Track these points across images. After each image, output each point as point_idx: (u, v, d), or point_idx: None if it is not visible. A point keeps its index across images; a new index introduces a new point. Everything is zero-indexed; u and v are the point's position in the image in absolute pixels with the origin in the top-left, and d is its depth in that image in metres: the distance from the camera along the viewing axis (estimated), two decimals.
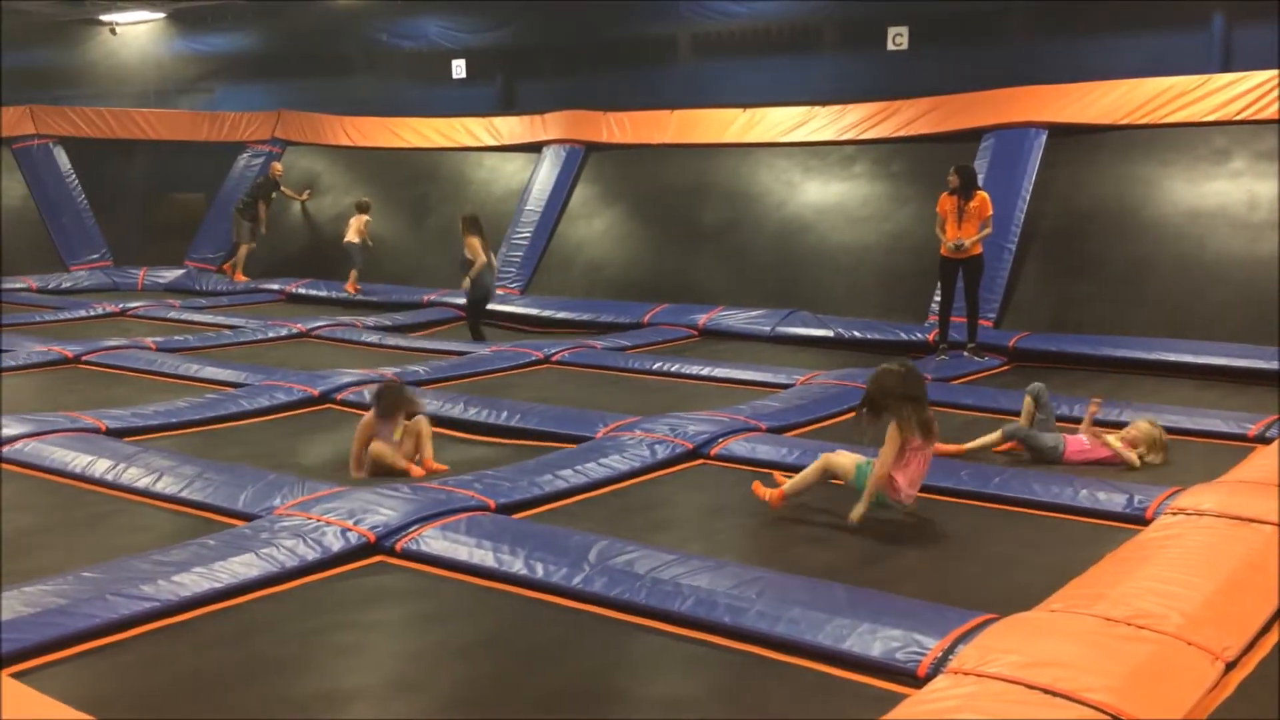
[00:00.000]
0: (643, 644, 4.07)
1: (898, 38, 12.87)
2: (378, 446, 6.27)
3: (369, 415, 6.38)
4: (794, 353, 10.28)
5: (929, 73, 12.48)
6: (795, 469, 6.08)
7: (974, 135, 11.68)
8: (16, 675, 3.57)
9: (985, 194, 9.74)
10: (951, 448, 6.48)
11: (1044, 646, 3.55)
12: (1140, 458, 6.38)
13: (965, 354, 9.69)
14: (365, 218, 13.99)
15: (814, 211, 12.39)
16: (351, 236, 13.87)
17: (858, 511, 5.22)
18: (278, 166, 15.47)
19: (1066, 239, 10.91)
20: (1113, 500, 5.46)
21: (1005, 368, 9.58)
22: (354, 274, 13.74)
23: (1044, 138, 11.35)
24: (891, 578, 4.57)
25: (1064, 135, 11.33)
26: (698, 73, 14.34)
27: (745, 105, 13.24)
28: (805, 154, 12.74)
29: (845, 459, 5.39)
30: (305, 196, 15.54)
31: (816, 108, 12.78)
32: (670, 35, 14.50)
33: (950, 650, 3.67)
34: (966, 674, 3.44)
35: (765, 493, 5.44)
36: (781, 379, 8.68)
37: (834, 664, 3.80)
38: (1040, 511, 5.50)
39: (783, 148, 12.86)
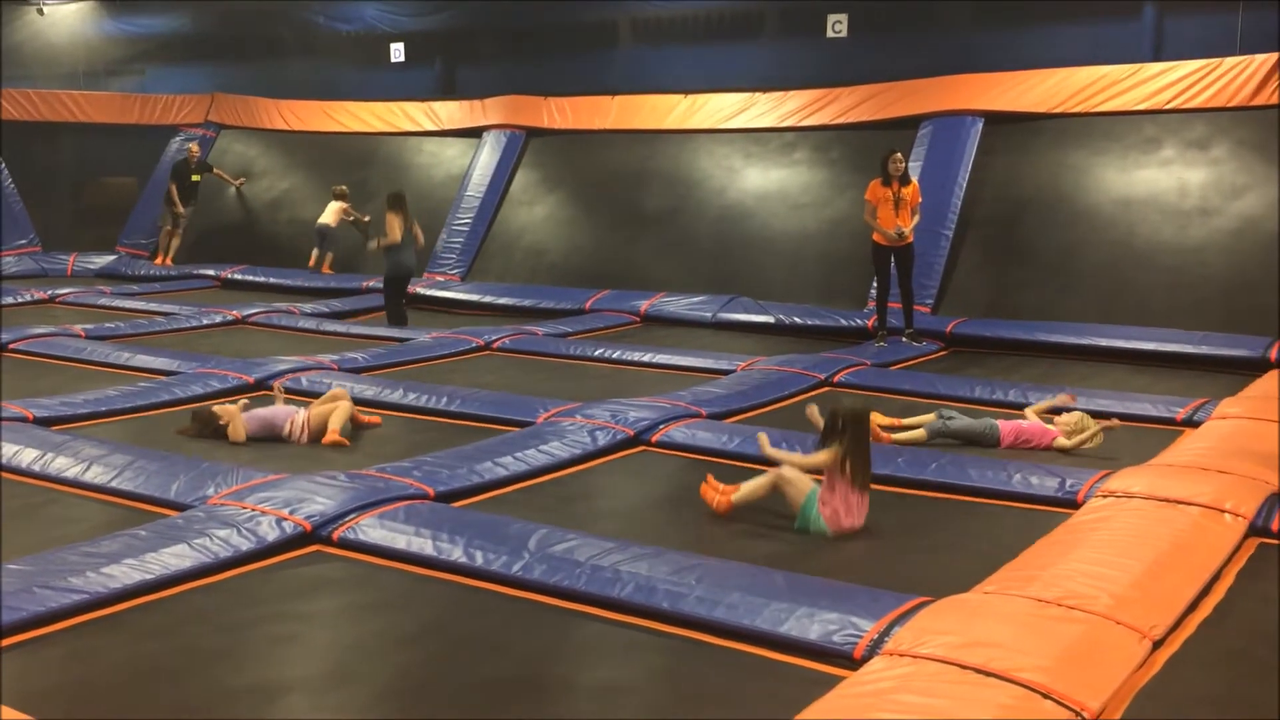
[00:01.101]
0: (582, 631, 4.07)
1: (837, 25, 12.94)
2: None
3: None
4: (735, 339, 10.32)
5: (868, 60, 12.58)
6: (735, 456, 6.15)
7: (912, 123, 11.79)
8: None
9: (916, 181, 9.85)
10: (887, 424, 6.57)
11: (978, 627, 3.61)
12: (1069, 437, 6.47)
13: (903, 339, 9.79)
14: (345, 204, 13.87)
15: (755, 198, 12.43)
16: (328, 219, 13.77)
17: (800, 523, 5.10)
18: (194, 147, 15.19)
19: (1002, 225, 11.06)
20: (1045, 485, 5.55)
21: (943, 353, 9.70)
22: (330, 257, 13.80)
23: (980, 125, 11.49)
24: (830, 567, 4.60)
25: (1000, 123, 11.47)
26: (639, 59, 14.32)
27: (686, 91, 13.24)
28: (746, 140, 12.77)
29: (800, 482, 5.14)
30: (240, 183, 15.29)
31: (757, 94, 12.81)
32: (611, 21, 14.46)
33: (886, 632, 3.71)
34: (902, 655, 3.48)
35: (713, 498, 5.28)
36: (723, 365, 8.72)
37: (772, 647, 3.83)
38: (976, 498, 5.57)
39: (723, 134, 12.89)
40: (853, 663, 3.65)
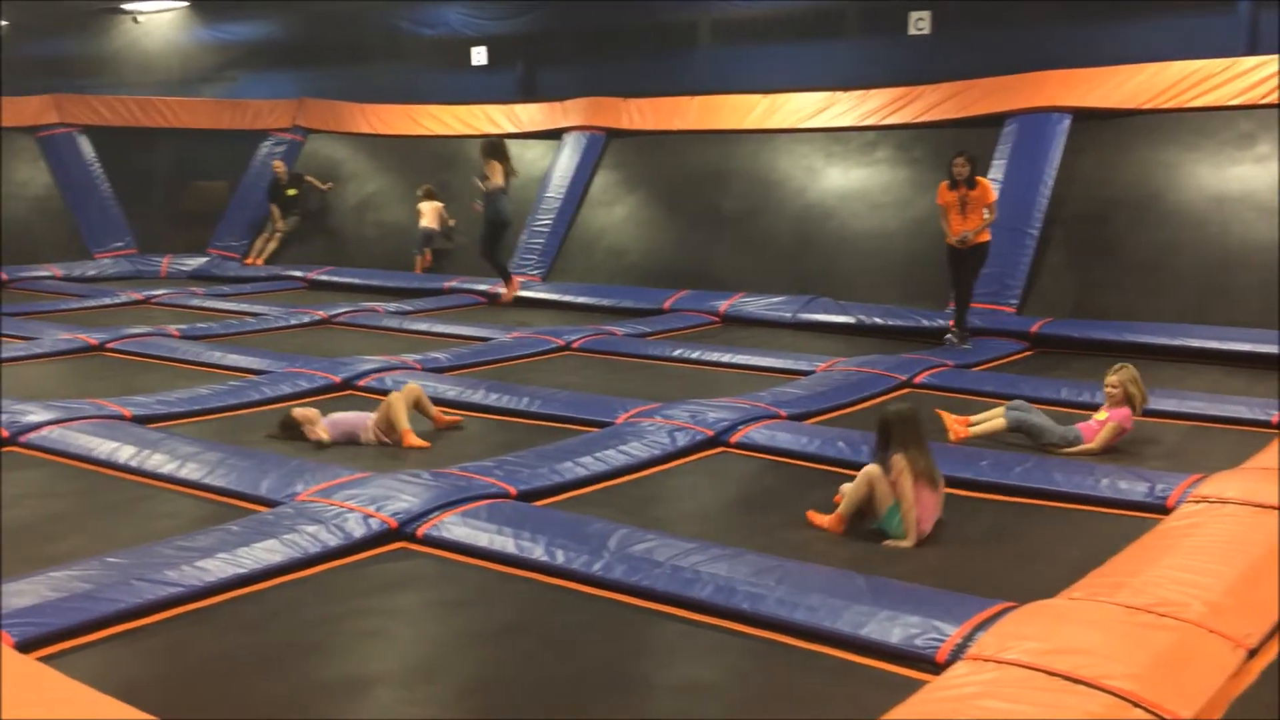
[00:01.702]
0: (662, 630, 4.09)
1: (920, 22, 12.77)
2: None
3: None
4: (815, 339, 10.26)
5: (951, 57, 12.40)
6: (816, 458, 6.12)
7: (997, 120, 11.60)
8: (44, 659, 3.61)
9: (986, 180, 9.60)
10: (960, 424, 6.50)
11: (1065, 633, 3.55)
12: (1132, 397, 6.36)
13: (949, 338, 9.59)
14: (440, 204, 14.18)
15: (836, 197, 12.35)
16: (432, 223, 14.11)
17: (900, 545, 4.99)
18: (278, 164, 15.58)
19: (1090, 224, 10.83)
20: (1134, 489, 5.43)
21: (1027, 354, 9.54)
22: (429, 254, 14.12)
23: (1068, 122, 11.26)
24: (912, 572, 4.54)
25: (1088, 120, 11.23)
26: (719, 59, 14.30)
27: (766, 91, 13.19)
28: (827, 140, 12.68)
29: (882, 488, 5.00)
30: (328, 187, 15.61)
31: (838, 93, 12.72)
32: (691, 21, 14.45)
33: (969, 637, 3.67)
34: (986, 660, 3.44)
35: (822, 520, 5.16)
36: (803, 365, 8.67)
37: (852, 650, 3.81)
38: (1062, 503, 5.46)
39: (804, 134, 12.81)
40: (935, 667, 3.62)
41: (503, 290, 11.68)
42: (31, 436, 6.37)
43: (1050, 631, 3.57)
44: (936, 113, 12.03)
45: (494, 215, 10.81)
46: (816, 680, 3.68)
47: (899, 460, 4.95)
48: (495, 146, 10.93)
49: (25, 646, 3.66)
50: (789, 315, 10.99)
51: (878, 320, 10.58)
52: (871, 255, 11.73)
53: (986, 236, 9.51)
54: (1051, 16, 12.27)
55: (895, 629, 3.79)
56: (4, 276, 13.82)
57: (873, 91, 12.51)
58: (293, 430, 6.64)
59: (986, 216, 9.40)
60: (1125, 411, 6.39)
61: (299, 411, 6.73)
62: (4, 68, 20.33)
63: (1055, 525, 5.24)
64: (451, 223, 14.15)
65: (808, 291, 11.44)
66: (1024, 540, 5.09)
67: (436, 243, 14.22)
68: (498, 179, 10.68)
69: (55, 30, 19.30)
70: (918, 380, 8.16)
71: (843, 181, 12.43)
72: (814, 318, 10.87)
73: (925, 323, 10.28)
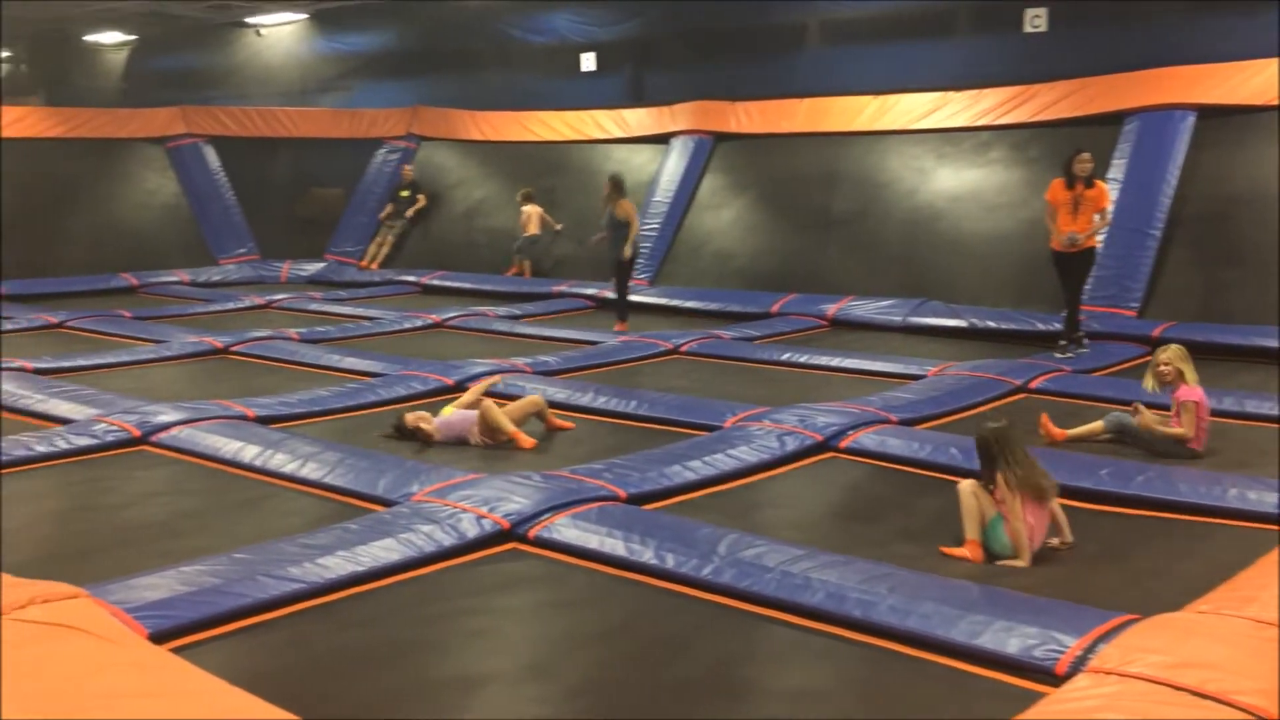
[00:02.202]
0: (772, 636, 4.08)
1: (1035, 19, 12.47)
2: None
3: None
4: (926, 343, 10.11)
5: (1069, 55, 12.08)
6: (928, 464, 6.02)
7: (1116, 119, 11.28)
8: (175, 650, 3.76)
9: (1104, 184, 9.25)
10: (1057, 432, 6.38)
11: (1191, 647, 3.44)
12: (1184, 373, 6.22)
13: (1059, 349, 9.17)
14: (540, 208, 14.43)
15: (947, 199, 12.15)
16: (536, 229, 14.33)
17: (1015, 564, 4.83)
18: (407, 169, 16.04)
19: (1215, 224, 10.45)
20: (1264, 500, 5.23)
21: (1148, 358, 9.22)
22: (527, 266, 14.35)
23: (1191, 120, 10.90)
24: (1028, 584, 4.44)
25: (1214, 117, 10.85)
26: (827, 60, 14.17)
27: (876, 92, 13.05)
28: (938, 140, 12.49)
29: (982, 500, 4.87)
30: (420, 203, 15.90)
31: (950, 93, 12.51)
32: (800, 23, 14.35)
33: (1090, 649, 3.58)
34: (1108, 673, 3.36)
35: (959, 551, 4.87)
36: (913, 370, 8.56)
37: (968, 660, 3.75)
38: (1186, 515, 5.27)
39: (915, 134, 12.64)
40: (1054, 679, 3.54)
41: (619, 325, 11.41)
42: (162, 436, 6.63)
43: (1176, 645, 3.46)
44: (1053, 111, 11.75)
45: (629, 252, 10.95)
46: (931, 690, 3.63)
47: (1003, 479, 4.83)
48: (618, 183, 11.14)
49: (158, 638, 3.81)
50: (899, 319, 10.84)
51: (990, 324, 10.37)
52: (984, 257, 11.51)
53: (1096, 241, 9.21)
54: (1172, 12, 11.88)
55: (1012, 639, 3.71)
56: (135, 282, 14.41)
57: (986, 91, 12.27)
58: (406, 432, 6.78)
59: (1098, 221, 9.09)
60: (1186, 388, 6.19)
61: (411, 416, 6.86)
62: (134, 81, 21.24)
63: (1179, 537, 5.08)
64: (558, 227, 14.31)
65: (918, 294, 11.28)
66: (1146, 553, 4.94)
67: (535, 253, 14.35)
68: (636, 220, 11.01)
69: (182, 45, 20.07)
70: (1033, 385, 7.98)
71: (955, 183, 12.22)
72: (925, 321, 10.71)
73: (1040, 326, 10.05)
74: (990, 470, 4.90)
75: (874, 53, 13.68)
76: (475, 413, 6.84)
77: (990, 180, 12.00)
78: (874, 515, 5.46)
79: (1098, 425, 6.42)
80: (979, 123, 12.21)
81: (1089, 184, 9.03)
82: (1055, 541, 4.91)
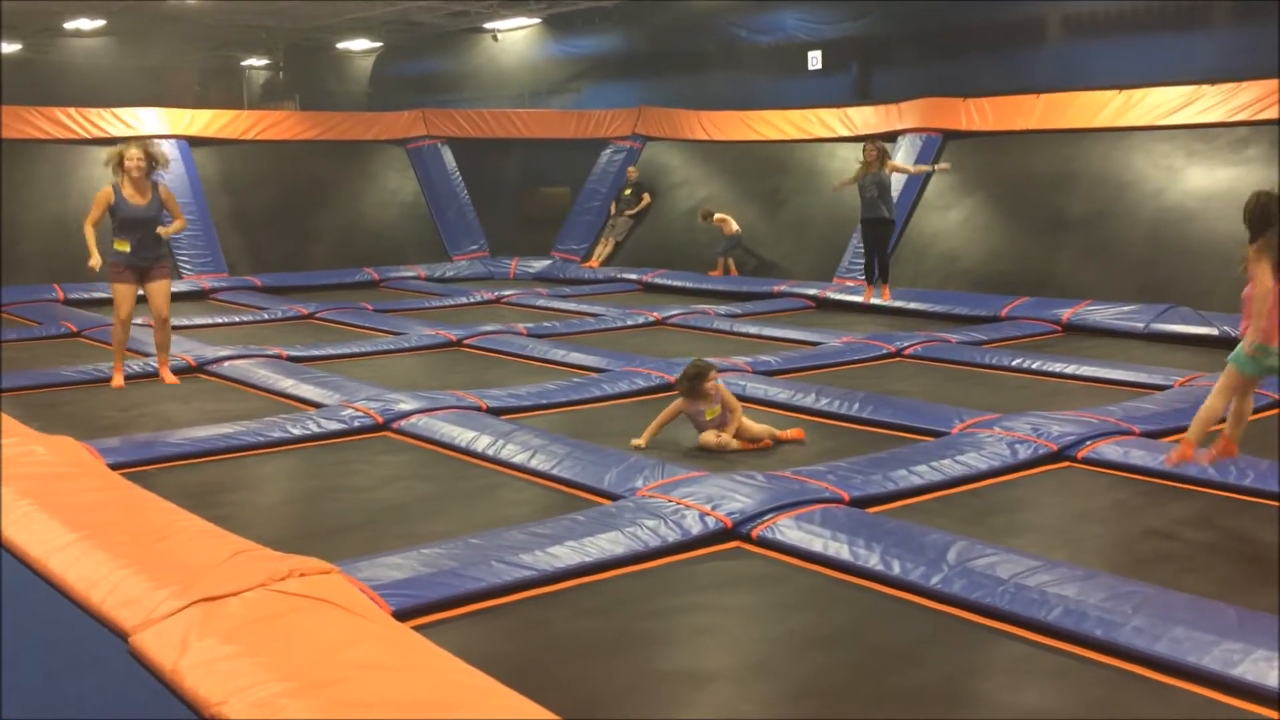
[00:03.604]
0: (1005, 651, 3.93)
1: None
2: (707, 438, 6.53)
3: (679, 399, 6.66)
4: (1171, 352, 9.54)
5: None
6: (1175, 477, 5.68)
7: None
8: (416, 628, 3.94)
9: None
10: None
11: None
12: None
13: None
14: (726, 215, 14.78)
15: (1198, 199, 11.42)
16: (734, 229, 14.60)
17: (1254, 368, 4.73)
18: (631, 170, 16.41)
19: None
20: None
21: None
22: (732, 264, 14.61)
23: None
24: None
25: None
26: (1067, 54, 13.57)
27: (1121, 87, 12.40)
28: (1189, 137, 11.77)
29: (1229, 365, 4.88)
30: (644, 203, 16.15)
31: (1204, 87, 11.77)
32: (1038, 15, 13.80)
33: None
34: None
35: (1204, 455, 4.92)
36: (1157, 380, 8.09)
37: (1222, 690, 3.51)
38: None
39: (1163, 131, 11.95)
40: None
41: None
42: (402, 423, 6.98)
43: None
44: None
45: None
46: (1180, 718, 3.42)
47: (1256, 252, 4.69)
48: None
49: (401, 616, 4.01)
50: (1140, 325, 10.27)
51: None
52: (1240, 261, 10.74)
53: None
54: None
55: (1273, 671, 3.46)
56: (376, 276, 15.23)
57: (1245, 84, 11.48)
58: (696, 382, 6.58)
59: None
60: None
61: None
62: (379, 85, 22.43)
63: None
64: (736, 230, 14.54)
65: (1162, 300, 10.66)
66: None
67: (737, 253, 14.54)
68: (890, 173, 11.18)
69: (424, 50, 21.07)
70: None
71: (1207, 182, 11.48)
72: (1170, 328, 10.11)
73: None
74: (1256, 233, 4.74)
75: (1118, 45, 13.03)
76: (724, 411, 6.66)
77: (1247, 179, 11.16)
78: (1113, 526, 5.19)
79: None
80: (1236, 118, 11.44)
81: None
82: None
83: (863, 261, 12.73)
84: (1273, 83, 11.25)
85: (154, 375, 8.73)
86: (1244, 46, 12.07)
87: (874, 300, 11.62)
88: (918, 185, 13.55)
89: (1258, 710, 3.41)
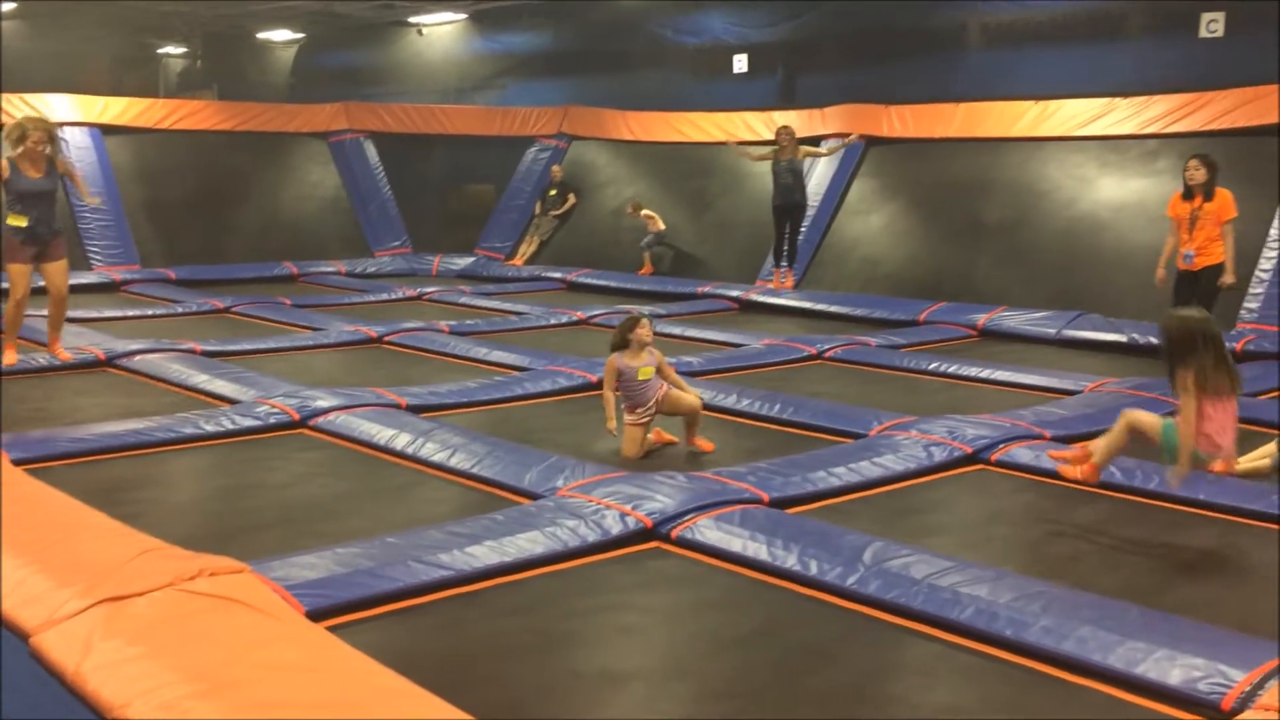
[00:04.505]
0: (918, 650, 3.99)
1: (1212, 24, 11.94)
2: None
3: (611, 358, 6.56)
4: (1082, 357, 9.77)
5: (1248, 61, 11.52)
6: (1084, 481, 5.80)
7: None
8: (330, 629, 3.88)
9: (1228, 193, 8.33)
10: (1220, 466, 5.96)
11: None
12: None
13: None
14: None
15: (1110, 209, 11.72)
16: (660, 226, 14.76)
17: (1177, 475, 4.84)
18: (555, 170, 16.37)
19: None
20: None
21: None
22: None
23: None
24: (1188, 604, 4.27)
25: None
26: (987, 63, 13.83)
27: (1038, 97, 12.67)
28: (1101, 148, 12.07)
29: (1148, 417, 4.96)
30: (569, 203, 16.15)
31: (1117, 99, 12.08)
32: (959, 24, 14.04)
33: (1261, 685, 3.40)
34: None
35: (1075, 471, 5.11)
36: (1068, 385, 8.27)
37: (1125, 689, 3.61)
38: None
39: (1077, 142, 12.25)
40: (1219, 714, 3.37)
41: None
42: (320, 421, 6.87)
43: None
44: (1227, 120, 11.24)
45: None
46: (1085, 717, 3.50)
47: (1187, 381, 4.72)
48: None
49: (315, 616, 3.94)
50: (1053, 331, 10.51)
51: (1153, 339, 9.91)
52: (1149, 270, 11.04)
53: (1222, 258, 8.26)
54: None
55: (1175, 669, 3.55)
56: (296, 271, 14.99)
57: (1156, 97, 11.81)
58: (626, 330, 6.50)
59: (1225, 238, 8.14)
60: None
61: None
62: (301, 77, 22.08)
63: None
64: (663, 227, 14.72)
65: (1074, 307, 10.92)
66: None
67: (659, 251, 14.69)
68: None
69: (348, 43, 20.78)
70: None
71: (1119, 193, 11.79)
72: (1081, 335, 10.36)
73: None
74: (1174, 361, 4.78)
75: (1036, 56, 13.31)
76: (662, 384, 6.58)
77: (1157, 191, 11.52)
78: (1024, 528, 5.30)
79: (1265, 463, 5.99)
80: (1147, 130, 11.76)
81: (1209, 195, 8.23)
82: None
83: (774, 247, 12.80)
84: (1184, 96, 11.59)
85: (59, 369, 8.49)
86: (1157, 60, 12.42)
87: (775, 285, 11.86)
88: (839, 190, 13.70)
89: (1160, 708, 3.50)
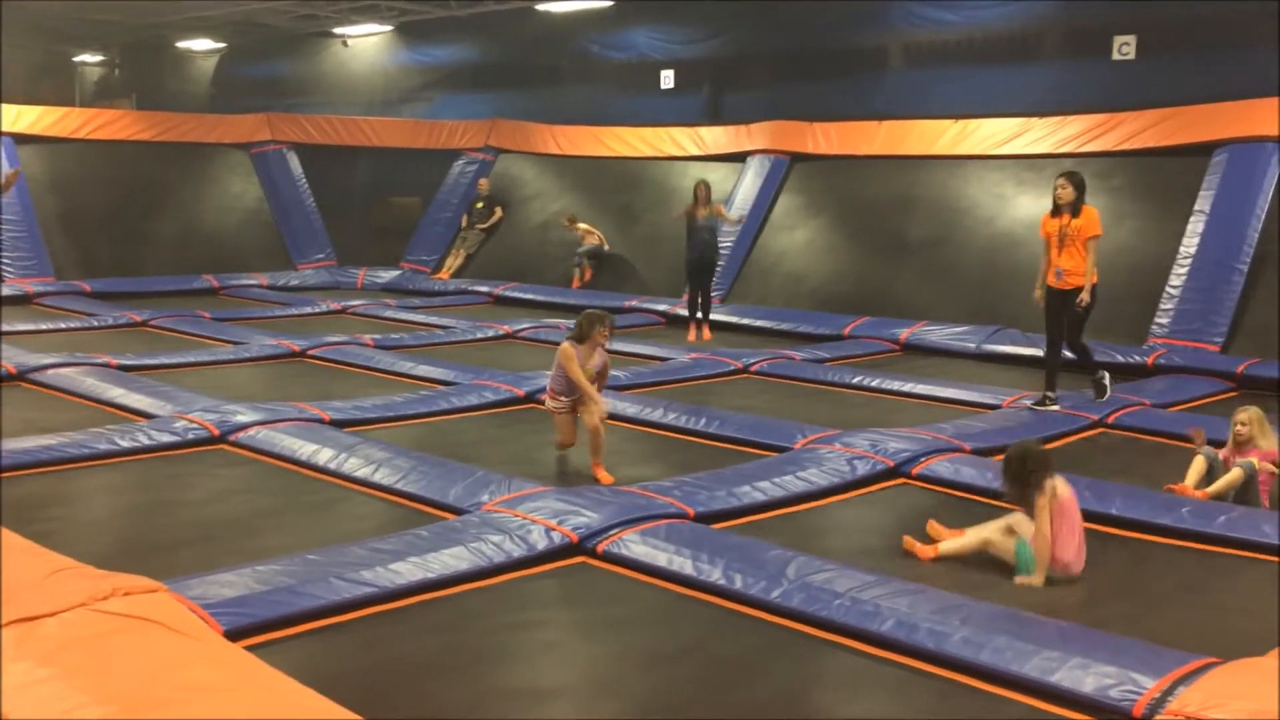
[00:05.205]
0: (841, 663, 4.04)
1: (1124, 47, 12.30)
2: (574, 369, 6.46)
3: (566, 345, 6.56)
4: (1001, 371, 9.97)
5: (1158, 83, 11.90)
6: (998, 495, 5.91)
7: (1205, 149, 11.08)
8: (248, 648, 3.82)
9: (1093, 210, 8.23)
10: (1193, 493, 5.98)
11: (1276, 694, 3.34)
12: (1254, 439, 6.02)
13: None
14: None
15: (1027, 226, 11.95)
16: (595, 240, 14.77)
17: (1031, 585, 4.84)
18: (482, 183, 16.37)
19: None
20: None
21: (1232, 394, 9.03)
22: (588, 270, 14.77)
23: None
24: (1103, 620, 4.36)
25: None
26: (908, 82, 14.09)
27: (957, 116, 12.94)
28: (1019, 167, 12.35)
29: (1005, 542, 5.00)
30: (496, 217, 16.12)
31: (1033, 119, 12.38)
32: (881, 45, 14.30)
33: (1170, 692, 3.49)
34: (1188, 717, 3.28)
35: (919, 548, 5.13)
36: (987, 399, 8.44)
37: (1041, 697, 3.68)
38: (1271, 556, 5.14)
39: (996, 160, 12.51)
40: None
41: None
42: (240, 436, 6.75)
43: (1263, 691, 3.37)
44: (1139, 141, 11.57)
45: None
46: None
47: (1040, 504, 4.84)
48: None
49: (233, 635, 3.87)
50: (973, 345, 10.71)
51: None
52: None
53: (1084, 279, 8.09)
54: (1263, 42, 11.64)
55: (1088, 678, 3.64)
56: (216, 284, 14.72)
57: (1071, 118, 12.13)
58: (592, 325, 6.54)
59: (1087, 256, 8.02)
60: (1259, 451, 5.98)
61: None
62: (223, 87, 21.76)
63: (1263, 579, 4.94)
64: (606, 247, 14.73)
65: (993, 322, 11.14)
66: (1228, 593, 4.82)
67: (595, 263, 14.75)
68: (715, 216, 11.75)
69: (271, 53, 20.52)
70: (1110, 420, 7.84)
71: (1035, 210, 12.00)
72: (999, 349, 10.57)
73: (1120, 358, 9.85)
74: (1021, 485, 4.92)
75: (955, 76, 13.59)
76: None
77: None
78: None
79: (1235, 474, 6.01)
80: (1062, 150, 12.06)
81: (1075, 212, 8.13)
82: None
83: (688, 299, 12.54)
84: (1098, 117, 11.91)
85: None
86: (1071, 82, 12.76)
87: (694, 339, 11.56)
88: (765, 205, 13.83)
89: (1074, 716, 3.58)
